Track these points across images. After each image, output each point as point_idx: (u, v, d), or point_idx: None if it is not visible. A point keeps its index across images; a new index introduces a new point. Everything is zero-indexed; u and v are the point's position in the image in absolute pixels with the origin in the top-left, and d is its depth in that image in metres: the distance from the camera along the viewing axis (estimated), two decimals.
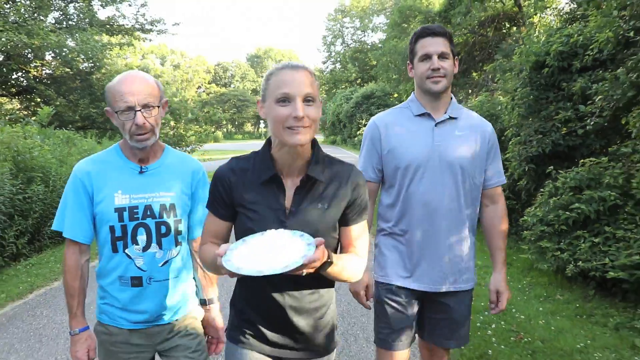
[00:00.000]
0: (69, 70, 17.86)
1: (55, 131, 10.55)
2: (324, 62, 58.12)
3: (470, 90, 21.43)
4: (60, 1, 17.89)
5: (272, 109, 1.60)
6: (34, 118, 12.39)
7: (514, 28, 19.77)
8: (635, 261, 4.75)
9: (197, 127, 21.41)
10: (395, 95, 34.50)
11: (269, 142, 1.73)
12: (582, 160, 6.01)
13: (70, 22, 18.27)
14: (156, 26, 19.51)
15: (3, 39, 13.11)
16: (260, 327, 1.76)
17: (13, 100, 19.45)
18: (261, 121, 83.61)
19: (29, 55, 16.66)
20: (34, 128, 9.75)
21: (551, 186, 6.23)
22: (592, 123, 5.84)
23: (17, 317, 5.10)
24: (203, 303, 2.26)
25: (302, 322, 1.73)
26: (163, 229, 2.04)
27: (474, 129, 2.39)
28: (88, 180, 2.00)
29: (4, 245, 7.00)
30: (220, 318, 2.28)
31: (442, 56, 2.27)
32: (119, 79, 1.95)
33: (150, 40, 20.96)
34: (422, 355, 2.71)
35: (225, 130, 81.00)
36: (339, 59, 57.68)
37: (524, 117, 7.25)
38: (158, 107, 2.00)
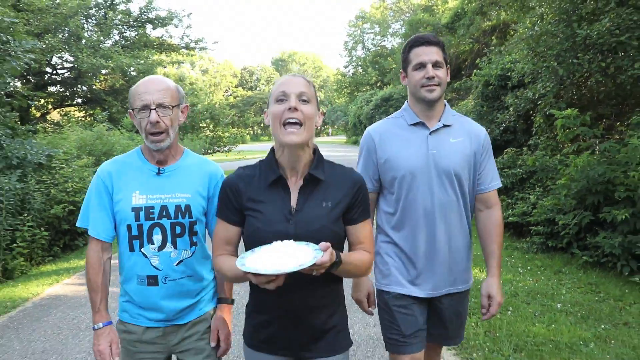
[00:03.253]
0: (124, 82, 21.29)
1: (135, 135, 13.86)
2: (346, 67, 60.37)
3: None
4: (120, 26, 21.34)
5: (272, 109, 1.74)
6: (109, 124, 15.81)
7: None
8: (523, 210, 7.75)
9: (233, 129, 24.74)
10: None
11: (273, 150, 1.83)
12: (505, 150, 9.01)
13: (127, 43, 21.74)
14: (198, 44, 22.92)
15: (85, 65, 16.57)
16: (275, 329, 1.82)
17: (80, 109, 23.02)
18: None
19: (89, 72, 20.03)
20: (118, 131, 13.11)
21: None
22: (503, 125, 8.86)
23: None
24: (219, 302, 2.22)
25: (314, 319, 1.80)
26: (178, 230, 2.03)
27: (468, 135, 2.37)
28: (109, 180, 2.04)
29: None
30: (229, 320, 2.22)
31: (436, 65, 2.26)
32: (139, 82, 2.02)
33: (192, 55, 24.36)
34: None
35: (251, 132, 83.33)
36: (359, 64, 59.76)
37: (476, 121, 10.22)
38: (175, 107, 2.01)
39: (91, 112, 22.05)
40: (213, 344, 2.13)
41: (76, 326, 4.80)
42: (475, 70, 10.60)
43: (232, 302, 2.23)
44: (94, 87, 21.36)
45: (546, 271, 6.34)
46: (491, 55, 10.89)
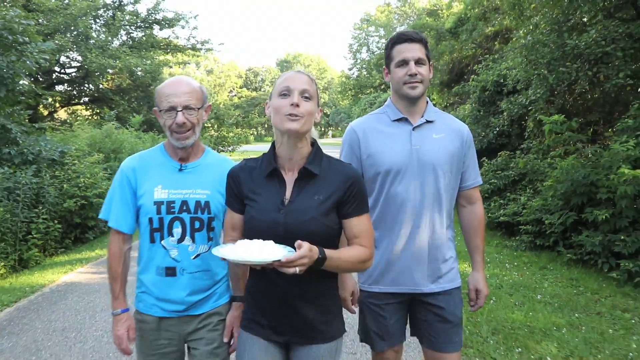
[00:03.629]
0: (131, 82, 21.74)
1: (142, 134, 14.30)
2: (350, 69, 60.69)
3: None
4: (128, 27, 21.78)
5: (275, 102, 1.82)
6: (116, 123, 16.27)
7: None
8: (514, 210, 8.12)
9: (238, 129, 25.16)
10: None
11: (274, 144, 1.91)
12: (499, 153, 9.38)
13: (134, 43, 22.18)
14: (204, 45, 23.38)
15: (94, 65, 17.02)
16: (268, 315, 1.90)
17: (87, 108, 23.47)
18: None
19: (97, 71, 20.49)
20: (126, 130, 13.53)
21: (482, 170, 9.63)
22: (497, 129, 9.24)
23: None
24: (234, 300, 2.28)
25: (306, 309, 1.85)
26: (197, 224, 2.12)
27: (451, 131, 2.39)
28: (133, 175, 2.13)
29: None
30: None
31: (418, 62, 2.27)
32: (166, 82, 2.11)
33: (199, 56, 24.80)
34: None
35: (255, 132, 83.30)
36: (364, 66, 59.98)
37: (472, 125, 10.62)
38: (199, 109, 2.10)
39: (97, 110, 22.58)
40: (226, 340, 2.21)
41: (92, 309, 5.19)
42: (472, 76, 10.98)
43: (237, 300, 2.28)
44: (101, 86, 21.80)
45: (532, 267, 6.71)
46: (488, 62, 11.26)
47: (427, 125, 2.35)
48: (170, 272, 2.10)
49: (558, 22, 7.78)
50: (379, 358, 2.43)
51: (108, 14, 21.21)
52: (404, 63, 2.28)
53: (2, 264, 6.87)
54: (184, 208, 2.10)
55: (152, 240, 2.11)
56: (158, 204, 2.09)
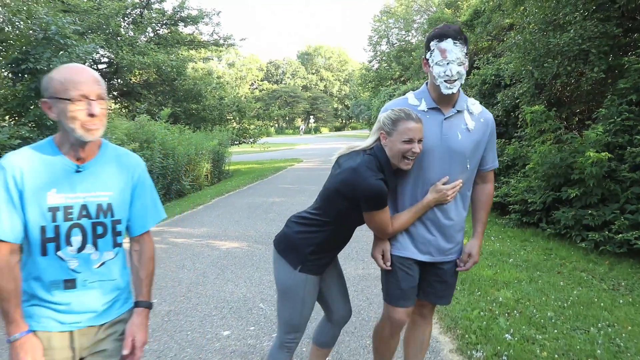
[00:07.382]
0: (157, 77, 22.97)
1: (170, 126, 15.44)
2: (370, 61, 61.25)
3: None
4: (154, 24, 23.01)
5: (397, 144, 2.38)
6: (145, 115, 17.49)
7: None
8: (505, 192, 9.03)
9: (259, 122, 26.25)
10: None
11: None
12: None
13: (161, 39, 23.41)
14: (227, 41, 24.51)
15: (125, 61, 18.27)
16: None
17: (116, 101, 24.83)
18: (311, 117, 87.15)
19: (126, 67, 21.73)
20: (156, 122, 14.69)
21: None
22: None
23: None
24: (136, 305, 2.08)
25: None
26: (100, 230, 1.90)
27: (478, 121, 2.58)
28: (20, 176, 1.79)
29: None
30: (146, 327, 2.07)
31: (460, 63, 2.43)
32: (66, 68, 1.82)
33: (221, 51, 25.94)
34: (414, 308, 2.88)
35: (276, 125, 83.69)
36: (384, 58, 60.41)
37: None
38: (106, 100, 1.84)
39: (126, 104, 23.91)
40: (126, 352, 1.99)
41: None
42: (473, 70, 11.85)
43: (150, 305, 2.13)
44: (130, 81, 23.07)
45: (515, 240, 7.63)
46: (489, 57, 12.10)
47: (457, 115, 2.56)
48: (70, 284, 1.88)
49: (545, 22, 8.63)
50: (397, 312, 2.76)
51: (136, 12, 22.43)
52: (444, 62, 2.44)
53: None
54: (84, 213, 1.88)
55: (44, 253, 1.84)
56: (53, 210, 1.83)
